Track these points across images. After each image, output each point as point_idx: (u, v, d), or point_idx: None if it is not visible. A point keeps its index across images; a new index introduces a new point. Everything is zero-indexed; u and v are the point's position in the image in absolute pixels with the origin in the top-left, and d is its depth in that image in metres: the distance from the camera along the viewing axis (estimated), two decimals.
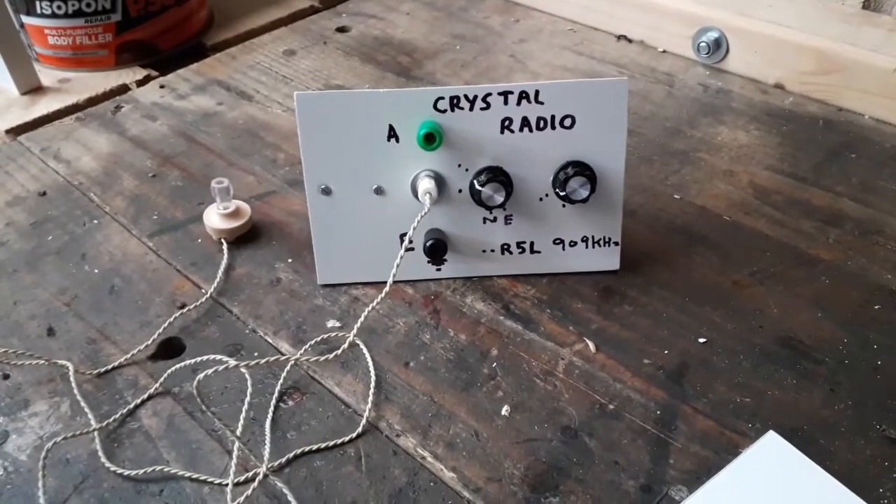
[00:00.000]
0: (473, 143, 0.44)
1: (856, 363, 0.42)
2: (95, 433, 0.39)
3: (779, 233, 0.51)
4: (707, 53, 0.68)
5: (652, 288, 0.47)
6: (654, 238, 0.51)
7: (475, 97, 0.43)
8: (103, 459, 0.38)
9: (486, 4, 0.81)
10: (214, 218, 0.51)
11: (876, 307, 0.45)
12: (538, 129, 0.44)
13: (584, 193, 0.44)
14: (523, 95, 0.43)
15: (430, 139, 0.43)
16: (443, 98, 0.43)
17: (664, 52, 0.71)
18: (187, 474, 0.37)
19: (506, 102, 0.43)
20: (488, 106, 0.43)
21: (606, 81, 0.44)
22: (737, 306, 0.46)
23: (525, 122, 0.44)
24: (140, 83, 0.71)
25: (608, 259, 0.48)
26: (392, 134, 0.44)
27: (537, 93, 0.43)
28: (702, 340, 0.44)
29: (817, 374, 0.42)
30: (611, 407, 0.40)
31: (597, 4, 0.74)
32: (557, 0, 0.77)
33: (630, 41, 0.73)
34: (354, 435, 0.39)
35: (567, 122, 0.44)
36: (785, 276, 0.48)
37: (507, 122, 0.44)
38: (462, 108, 0.43)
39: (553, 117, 0.44)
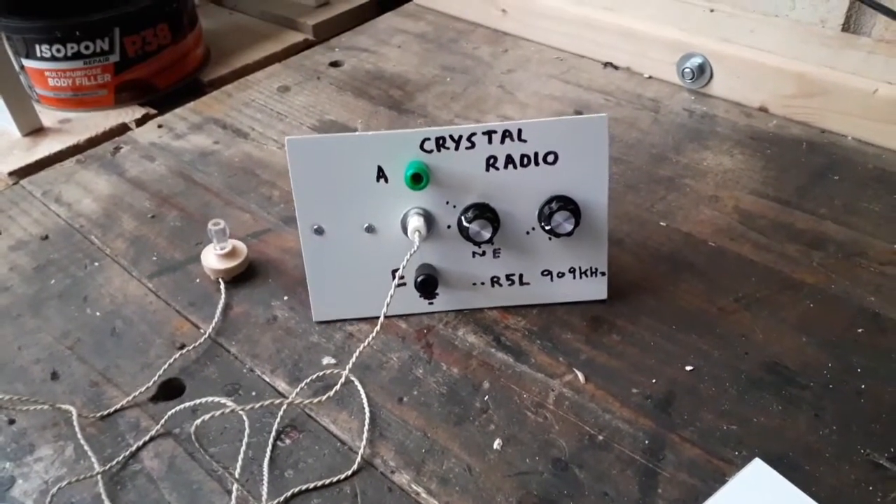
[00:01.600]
0: (460, 180, 0.46)
1: (840, 388, 0.43)
2: (99, 476, 0.40)
3: (763, 258, 0.52)
4: (691, 79, 0.69)
5: (639, 316, 0.48)
6: (641, 266, 0.52)
7: (460, 137, 0.45)
8: (107, 503, 0.39)
9: (476, 35, 0.82)
10: (212, 259, 0.52)
11: (859, 330, 0.46)
12: (522, 165, 0.45)
13: (569, 227, 0.45)
14: (506, 134, 0.45)
15: (418, 179, 0.44)
16: (429, 139, 0.44)
17: (650, 77, 0.73)
18: None
19: (490, 141, 0.45)
20: (473, 145, 0.45)
21: (586, 118, 0.45)
22: (723, 333, 0.47)
23: (509, 160, 0.45)
24: (139, 122, 0.72)
25: (596, 289, 0.49)
26: (381, 175, 0.45)
27: (520, 131, 0.44)
28: (689, 368, 0.45)
29: (802, 399, 0.43)
30: (600, 438, 0.41)
31: (583, 32, 0.76)
32: (544, 29, 0.79)
33: (616, 68, 0.75)
34: (350, 472, 0.40)
35: (550, 158, 0.45)
36: (770, 301, 0.49)
37: (491, 160, 0.45)
38: (448, 148, 0.45)
39: (536, 154, 0.45)
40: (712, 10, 0.70)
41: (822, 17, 0.67)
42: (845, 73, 0.62)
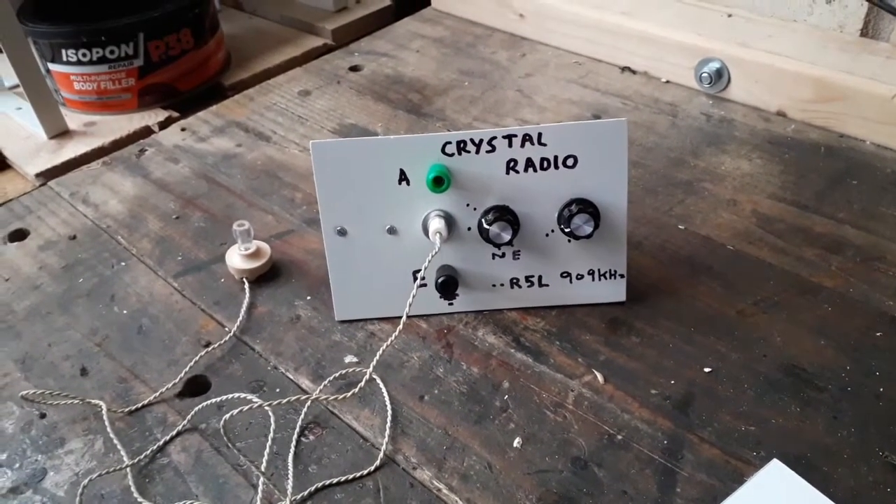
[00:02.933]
0: (480, 183, 0.46)
1: (858, 390, 0.43)
2: (128, 469, 0.41)
3: (782, 261, 0.52)
4: (709, 83, 0.69)
5: (658, 318, 0.49)
6: (660, 269, 0.52)
7: (481, 141, 0.45)
8: (136, 495, 0.40)
9: (493, 39, 0.83)
10: (236, 259, 0.53)
11: (878, 334, 0.46)
12: (542, 169, 0.46)
13: (588, 230, 0.46)
14: (527, 138, 0.45)
15: (439, 182, 0.45)
16: (450, 143, 0.45)
17: (667, 82, 0.73)
18: None
19: (510, 145, 0.45)
20: (493, 149, 0.45)
21: (606, 123, 0.45)
22: (741, 335, 0.47)
23: (529, 163, 0.46)
24: (162, 125, 0.74)
25: (615, 291, 0.50)
26: (403, 177, 0.46)
27: (540, 135, 0.45)
28: (707, 370, 0.45)
29: (820, 401, 0.43)
30: (619, 437, 0.42)
31: (601, 37, 0.76)
32: (562, 34, 0.79)
33: (634, 72, 0.75)
34: (373, 468, 0.41)
35: (569, 161, 0.46)
36: (788, 305, 0.49)
37: (512, 164, 0.46)
38: (469, 152, 0.46)
39: (556, 157, 0.46)
40: (730, 15, 0.71)
41: (841, 22, 0.67)
42: (863, 78, 0.62)
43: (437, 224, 0.46)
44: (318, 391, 0.45)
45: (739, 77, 0.68)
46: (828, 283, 0.50)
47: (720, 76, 0.69)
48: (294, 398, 0.42)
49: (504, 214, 0.46)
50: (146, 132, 0.73)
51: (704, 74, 0.69)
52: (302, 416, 0.44)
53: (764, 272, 0.51)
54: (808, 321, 0.48)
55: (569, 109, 0.70)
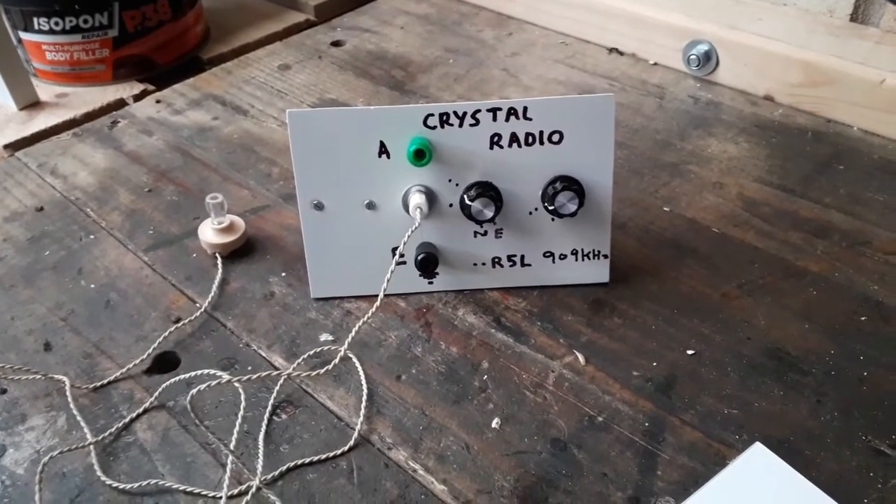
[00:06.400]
0: (463, 158, 0.45)
1: (842, 374, 0.43)
2: (91, 447, 0.40)
3: (767, 244, 0.51)
4: (697, 66, 0.68)
5: (641, 300, 0.48)
6: (644, 250, 0.51)
7: (464, 114, 0.44)
8: (99, 473, 0.39)
9: (480, 18, 0.82)
10: (209, 233, 0.51)
11: (862, 318, 0.46)
12: (527, 144, 0.45)
13: (573, 208, 0.45)
14: (511, 112, 0.44)
15: (420, 155, 0.44)
16: (432, 115, 0.44)
17: (655, 64, 0.72)
18: (182, 487, 0.38)
19: (494, 119, 0.44)
20: (477, 122, 0.44)
21: (593, 97, 0.44)
22: (725, 318, 0.46)
23: (514, 138, 0.45)
24: (137, 98, 0.71)
25: (598, 271, 0.49)
26: (383, 150, 0.45)
27: (525, 109, 0.44)
28: (690, 352, 0.44)
29: (804, 385, 0.42)
30: (600, 419, 0.41)
31: (589, 18, 0.75)
32: (550, 14, 0.78)
33: (621, 54, 0.74)
34: (346, 448, 0.40)
35: (555, 137, 0.45)
36: (773, 288, 0.48)
37: (495, 138, 0.45)
38: (451, 125, 0.44)
39: (541, 133, 0.44)
40: None
41: (831, 6, 0.67)
42: (852, 63, 0.61)
43: (417, 199, 0.45)
44: (291, 368, 0.43)
45: (728, 60, 0.67)
46: (813, 267, 0.50)
47: (708, 59, 0.68)
48: (266, 374, 0.40)
49: (487, 190, 0.45)
50: (120, 104, 0.71)
51: (693, 57, 0.68)
52: (274, 394, 0.42)
53: (749, 255, 0.51)
54: (793, 305, 0.47)
55: (555, 89, 0.69)
